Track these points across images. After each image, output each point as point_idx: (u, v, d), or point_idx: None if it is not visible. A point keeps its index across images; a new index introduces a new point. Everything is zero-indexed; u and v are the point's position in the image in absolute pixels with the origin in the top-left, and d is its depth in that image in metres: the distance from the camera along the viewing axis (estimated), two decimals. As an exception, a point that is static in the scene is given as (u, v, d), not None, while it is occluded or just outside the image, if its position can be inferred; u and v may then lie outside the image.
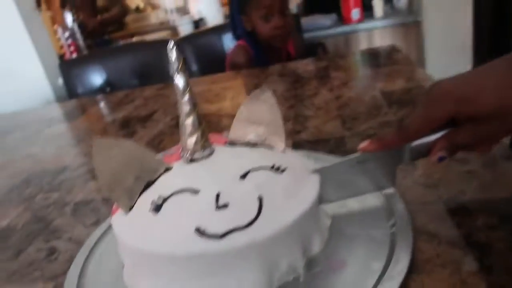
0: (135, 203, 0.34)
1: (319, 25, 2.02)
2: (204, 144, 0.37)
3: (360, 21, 1.99)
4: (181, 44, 1.51)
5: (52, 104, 1.48)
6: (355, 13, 1.98)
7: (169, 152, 0.41)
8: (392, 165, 0.36)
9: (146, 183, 0.35)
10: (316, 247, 0.34)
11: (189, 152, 0.37)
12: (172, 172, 0.36)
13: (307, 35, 1.79)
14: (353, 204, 0.40)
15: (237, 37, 1.29)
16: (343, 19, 2.03)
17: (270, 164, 0.35)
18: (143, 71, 1.49)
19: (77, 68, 1.51)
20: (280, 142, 0.40)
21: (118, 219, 0.35)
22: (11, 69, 1.51)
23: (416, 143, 0.34)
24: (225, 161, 0.37)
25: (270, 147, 0.40)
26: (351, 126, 0.60)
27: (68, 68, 1.52)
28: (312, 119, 0.66)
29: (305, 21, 1.94)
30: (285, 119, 0.67)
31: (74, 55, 2.22)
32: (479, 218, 0.35)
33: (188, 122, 0.37)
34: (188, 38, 1.62)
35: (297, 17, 1.70)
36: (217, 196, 0.32)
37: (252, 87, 0.96)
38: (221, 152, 0.38)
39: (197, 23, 2.65)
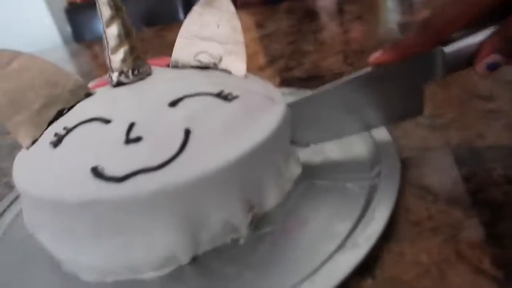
0: (39, 136, 0.27)
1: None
2: (135, 64, 0.29)
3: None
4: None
5: (55, 47, 1.41)
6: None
7: (103, 78, 0.33)
8: (417, 83, 0.25)
9: (59, 111, 0.28)
10: (270, 201, 0.26)
11: (114, 73, 0.29)
12: (91, 98, 0.28)
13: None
14: (333, 148, 0.31)
15: None
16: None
17: (216, 91, 0.27)
18: (150, 16, 1.39)
19: (85, 14, 1.43)
20: (240, 65, 0.31)
21: (20, 157, 0.27)
22: (18, 13, 1.46)
23: (453, 47, 0.22)
24: (158, 85, 0.28)
25: (226, 71, 0.31)
26: (354, 61, 0.49)
27: (76, 14, 1.44)
28: (311, 54, 0.55)
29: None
30: (279, 57, 0.57)
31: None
32: (496, 170, 0.25)
33: (111, 32, 0.28)
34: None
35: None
36: (130, 127, 0.24)
37: (251, 25, 0.85)
38: (158, 75, 0.30)
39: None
